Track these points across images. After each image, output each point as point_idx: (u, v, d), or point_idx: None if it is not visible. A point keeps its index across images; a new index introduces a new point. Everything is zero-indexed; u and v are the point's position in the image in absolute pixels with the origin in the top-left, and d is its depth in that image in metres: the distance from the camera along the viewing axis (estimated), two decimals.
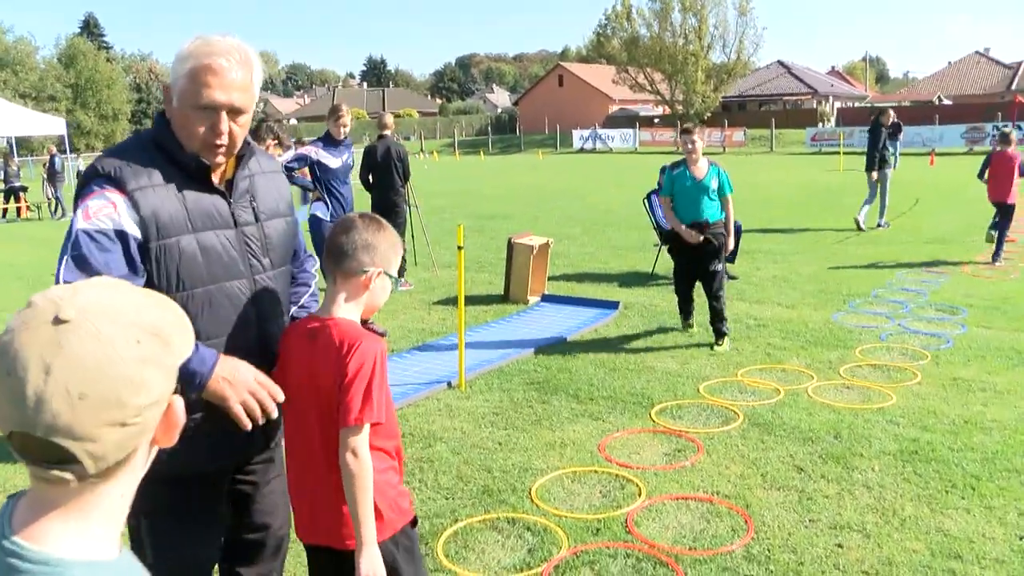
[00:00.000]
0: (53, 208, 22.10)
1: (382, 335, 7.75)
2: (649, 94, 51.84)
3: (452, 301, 9.00)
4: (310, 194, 8.03)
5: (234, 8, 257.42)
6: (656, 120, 53.47)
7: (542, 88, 69.44)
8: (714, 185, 7.07)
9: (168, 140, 2.22)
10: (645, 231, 10.98)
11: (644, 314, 8.36)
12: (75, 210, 2.16)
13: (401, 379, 6.39)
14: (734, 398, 5.81)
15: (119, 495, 0.99)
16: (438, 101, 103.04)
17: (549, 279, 9.65)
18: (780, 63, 60.61)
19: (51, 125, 22.61)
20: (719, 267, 7.06)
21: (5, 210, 23.14)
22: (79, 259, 2.08)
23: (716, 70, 49.26)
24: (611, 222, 15.75)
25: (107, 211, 2.11)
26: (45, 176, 22.87)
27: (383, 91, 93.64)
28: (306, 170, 7.95)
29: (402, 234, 10.18)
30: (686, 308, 7.53)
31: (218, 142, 2.19)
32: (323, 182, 7.61)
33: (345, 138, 7.78)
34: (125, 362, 0.93)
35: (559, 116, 57.08)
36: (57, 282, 2.00)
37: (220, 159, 2.25)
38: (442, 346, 7.26)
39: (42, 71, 64.39)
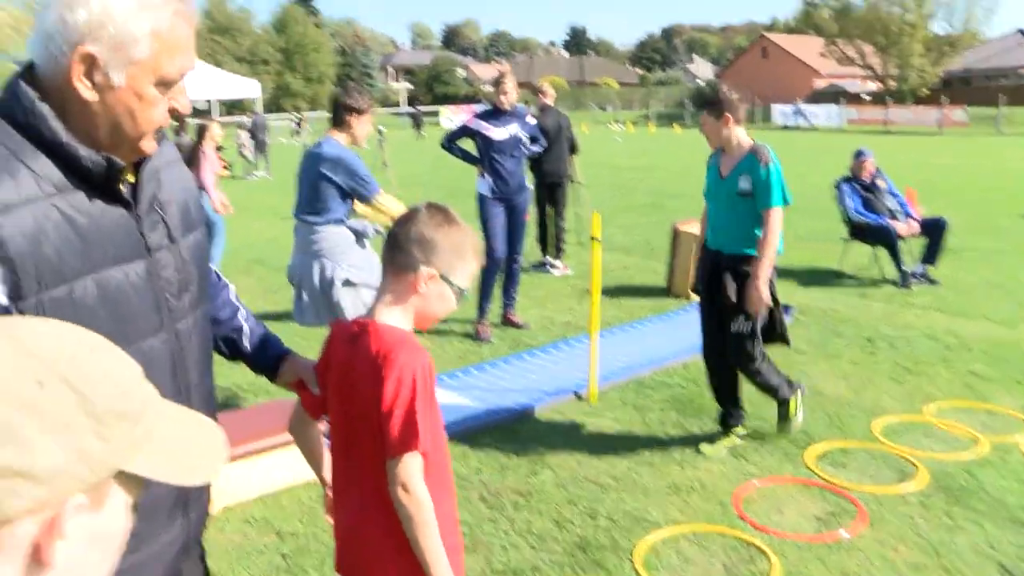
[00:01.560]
0: (253, 167, 22.85)
1: (519, 327, 7.07)
2: (859, 68, 48.33)
3: (611, 291, 8.23)
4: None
5: None
6: (866, 96, 49.83)
7: (745, 60, 66.65)
8: (744, 187, 4.47)
9: (50, 128, 1.37)
10: (835, 221, 9.70)
11: (821, 321, 7.23)
12: None
13: (525, 383, 5.69)
14: (917, 444, 4.70)
15: None
16: (638, 71, 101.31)
17: None
18: (1022, 32, 54.80)
19: (248, 88, 23.36)
20: (742, 327, 4.46)
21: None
22: None
23: (936, 42, 45.18)
24: (799, 208, 14.28)
25: None
26: (244, 136, 23.77)
27: (582, 59, 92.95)
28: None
29: (563, 212, 9.50)
30: (721, 395, 4.80)
31: (163, 126, 1.49)
32: (486, 156, 6.93)
33: (514, 108, 7.03)
34: (4, 400, 0.68)
35: (761, 90, 54.38)
36: None
37: (155, 146, 1.50)
38: (583, 345, 6.47)
39: (257, 36, 68.06)
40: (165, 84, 1.42)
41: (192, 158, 9.03)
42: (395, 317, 1.97)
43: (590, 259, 5.38)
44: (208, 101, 26.75)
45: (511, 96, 6.93)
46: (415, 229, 1.95)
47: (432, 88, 79.33)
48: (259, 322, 2.08)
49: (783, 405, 4.71)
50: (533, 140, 7.29)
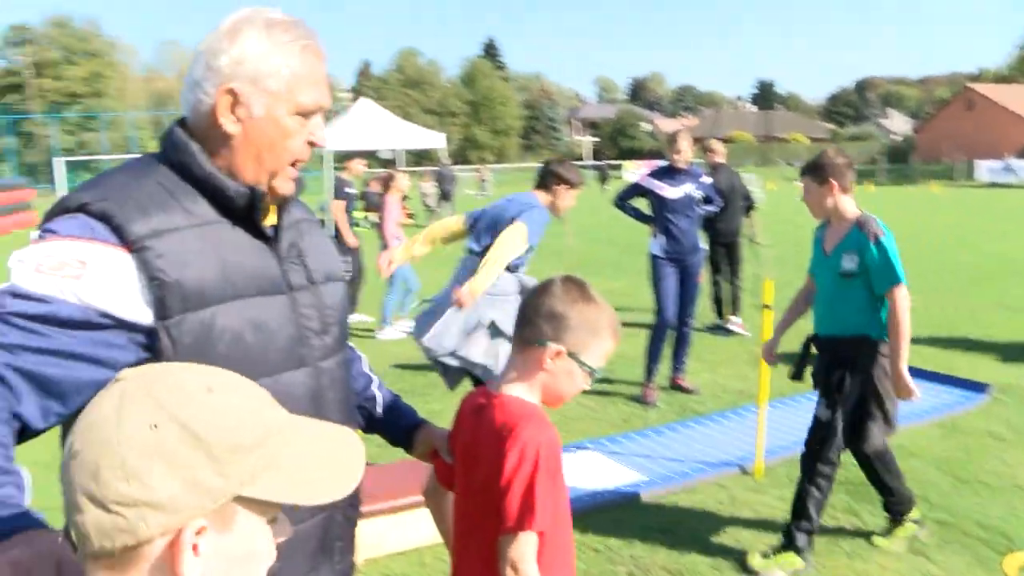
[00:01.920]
0: (436, 217, 23.66)
1: (688, 392, 6.82)
2: None
3: (787, 357, 7.80)
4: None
5: (625, 33, 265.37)
6: None
7: (947, 113, 63.13)
8: (849, 267, 3.93)
9: (197, 162, 1.49)
10: None
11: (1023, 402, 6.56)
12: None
13: (689, 452, 5.44)
14: None
15: None
16: (829, 126, 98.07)
17: (913, 342, 8.01)
18: None
19: (434, 140, 24.16)
20: (830, 416, 4.00)
21: (367, 215, 25.30)
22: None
23: None
24: (1008, 273, 13.26)
25: (70, 271, 1.34)
26: (428, 187, 24.72)
27: (769, 114, 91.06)
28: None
29: (739, 272, 9.19)
30: (872, 484, 4.32)
31: (306, 159, 1.58)
32: (659, 215, 6.79)
33: (688, 166, 6.88)
34: (122, 439, 0.82)
35: (965, 144, 51.37)
36: None
37: (292, 187, 1.60)
38: (753, 415, 6.13)
39: (446, 89, 70.90)
40: (301, 115, 1.53)
41: (378, 208, 9.38)
42: (521, 391, 1.90)
43: (764, 322, 5.09)
44: (393, 151, 27.85)
45: (685, 155, 6.76)
46: (546, 302, 1.87)
47: (617, 142, 79.77)
48: (393, 393, 2.06)
49: (895, 518, 4.27)
50: (707, 200, 7.09)
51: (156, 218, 1.42)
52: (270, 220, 1.60)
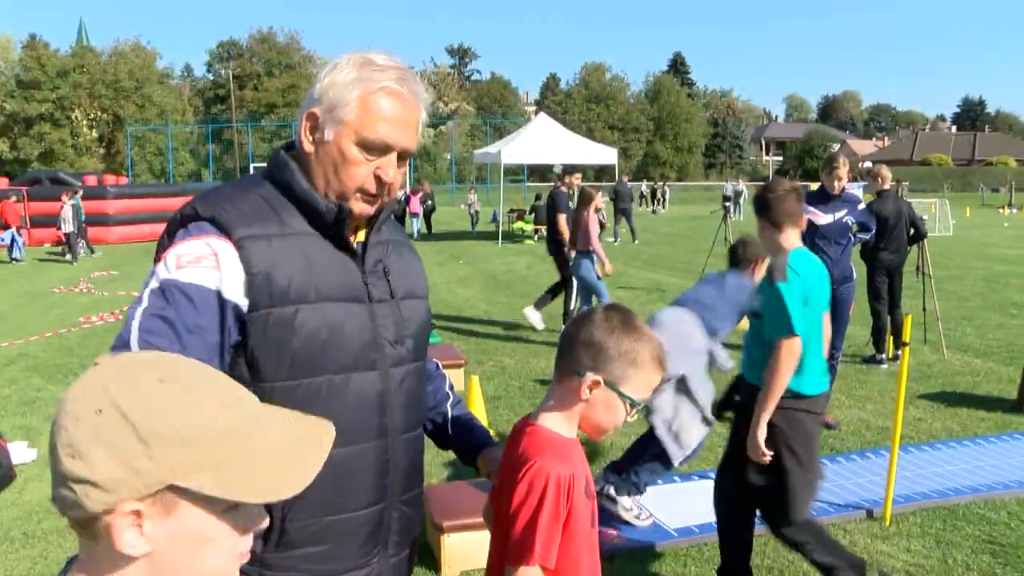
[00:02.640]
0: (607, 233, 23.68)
1: (829, 427, 6.47)
2: None
3: (949, 398, 7.31)
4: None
5: (818, 50, 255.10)
6: None
7: None
8: (756, 306, 3.74)
9: (295, 179, 1.68)
10: None
11: None
12: (155, 259, 1.65)
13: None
14: None
15: (120, 574, 0.94)
16: None
17: None
18: None
19: (606, 155, 24.18)
20: (755, 479, 3.63)
21: (537, 229, 25.48)
22: (161, 325, 1.51)
23: None
24: None
25: (208, 263, 1.57)
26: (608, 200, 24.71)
27: (975, 136, 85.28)
28: None
29: (900, 303, 8.66)
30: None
31: (375, 192, 1.69)
32: (809, 241, 6.50)
33: (844, 192, 6.58)
34: (73, 422, 0.91)
35: None
36: (130, 345, 1.50)
37: (369, 210, 1.73)
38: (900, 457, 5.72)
39: (630, 105, 70.67)
40: (366, 148, 1.64)
41: (576, 223, 9.50)
42: (556, 421, 1.86)
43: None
44: (563, 165, 28.03)
45: (843, 181, 6.44)
46: (586, 331, 1.83)
47: (803, 162, 76.97)
48: (469, 414, 2.12)
49: None
50: (863, 228, 6.72)
51: (255, 225, 1.61)
52: (359, 237, 1.77)
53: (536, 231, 25.06)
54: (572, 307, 9.99)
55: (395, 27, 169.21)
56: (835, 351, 6.56)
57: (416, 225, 27.99)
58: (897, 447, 4.78)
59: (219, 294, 1.55)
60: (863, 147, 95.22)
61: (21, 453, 6.08)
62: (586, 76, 74.32)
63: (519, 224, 25.46)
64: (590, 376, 1.80)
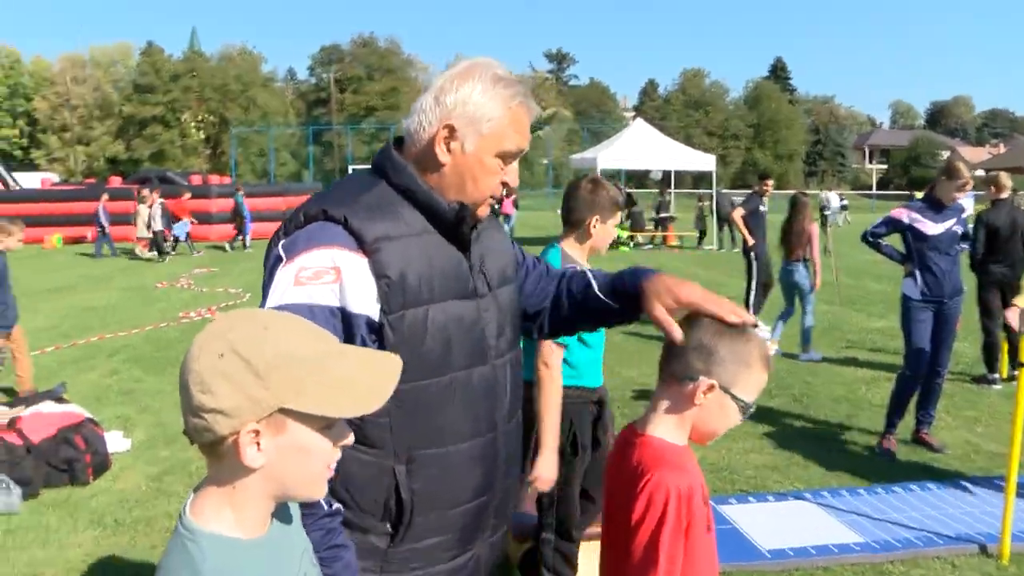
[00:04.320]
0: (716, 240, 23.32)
1: (934, 449, 6.11)
2: None
3: None
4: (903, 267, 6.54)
5: (927, 54, 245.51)
6: None
7: None
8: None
9: (415, 182, 1.77)
10: None
11: None
12: (275, 263, 1.69)
13: (921, 519, 4.85)
14: None
15: (242, 483, 1.18)
16: None
17: None
18: None
19: (704, 162, 23.76)
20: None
21: (653, 237, 25.12)
22: None
23: None
24: None
25: (328, 279, 1.64)
26: (703, 210, 24.42)
27: None
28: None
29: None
30: None
31: (501, 195, 1.86)
32: (916, 252, 6.16)
33: (954, 202, 6.20)
34: (201, 363, 1.13)
35: None
36: None
37: (487, 212, 1.88)
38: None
39: (729, 111, 69.48)
40: (503, 157, 1.77)
41: (788, 232, 9.40)
42: (667, 430, 1.82)
43: None
44: (663, 172, 27.76)
45: (962, 192, 6.06)
46: (695, 335, 1.78)
47: (908, 170, 74.29)
48: (605, 274, 2.04)
49: None
50: (964, 237, 6.34)
51: (383, 224, 1.69)
52: None
53: (631, 237, 24.77)
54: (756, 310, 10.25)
55: (494, 31, 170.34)
56: (941, 368, 6.19)
57: (508, 225, 28.01)
58: (1015, 475, 4.44)
59: (343, 310, 1.64)
60: (976, 154, 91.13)
61: (117, 442, 6.23)
62: (685, 82, 73.34)
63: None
64: (704, 380, 1.75)
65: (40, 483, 5.48)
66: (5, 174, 27.96)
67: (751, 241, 10.27)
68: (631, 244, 24.50)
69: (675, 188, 29.88)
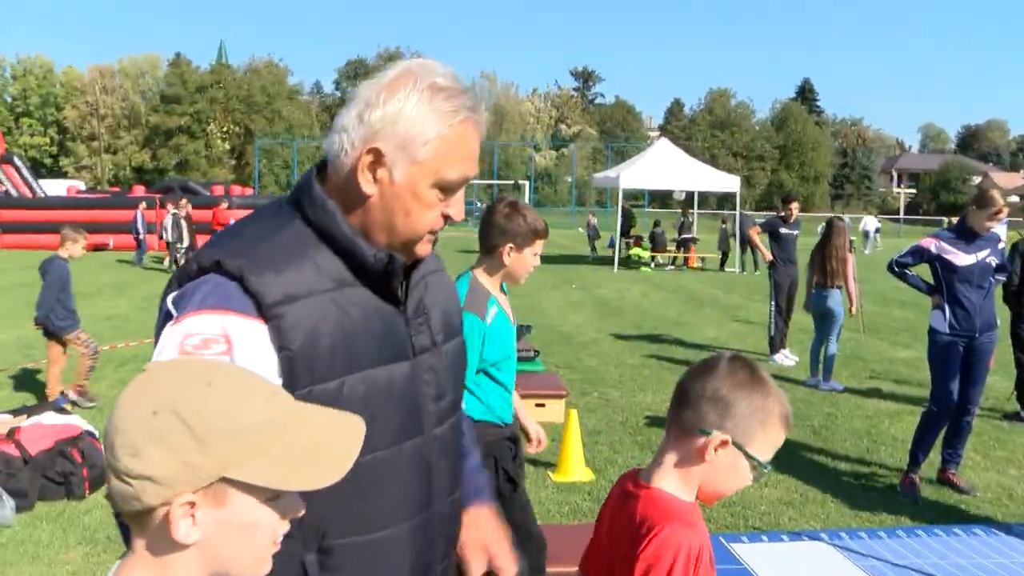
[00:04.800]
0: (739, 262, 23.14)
1: (961, 491, 5.85)
2: None
3: None
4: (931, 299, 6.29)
5: (959, 76, 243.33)
6: None
7: None
8: None
9: (337, 225, 1.45)
10: None
11: None
12: (164, 318, 1.42)
13: (948, 567, 4.61)
14: None
15: (172, 559, 1.03)
16: None
17: None
18: None
19: (728, 183, 23.53)
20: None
21: (675, 258, 24.90)
22: None
23: None
24: None
25: (217, 349, 1.34)
26: (725, 231, 24.25)
27: None
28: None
29: None
30: None
31: (439, 230, 1.53)
32: (945, 283, 5.91)
33: (988, 232, 5.94)
34: (131, 421, 1.00)
35: None
36: None
37: (430, 250, 1.56)
38: None
39: (755, 132, 69.24)
40: (443, 188, 1.46)
41: (824, 257, 9.15)
42: (674, 483, 1.68)
43: None
44: (687, 193, 27.57)
45: (995, 221, 5.82)
46: (711, 385, 1.64)
47: (938, 195, 73.58)
48: (479, 467, 1.90)
49: None
50: (999, 268, 6.08)
51: (288, 278, 1.40)
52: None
53: (653, 258, 24.56)
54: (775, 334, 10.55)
55: (520, 48, 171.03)
56: (971, 406, 5.92)
57: None
58: None
59: None
60: (1010, 180, 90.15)
61: None
62: (711, 102, 73.23)
63: (635, 251, 24.98)
64: (718, 435, 1.62)
65: (36, 496, 5.41)
66: (32, 180, 28.17)
67: (767, 256, 10.43)
68: (652, 264, 24.30)
69: (699, 209, 29.68)
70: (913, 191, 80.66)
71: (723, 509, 5.34)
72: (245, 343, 1.35)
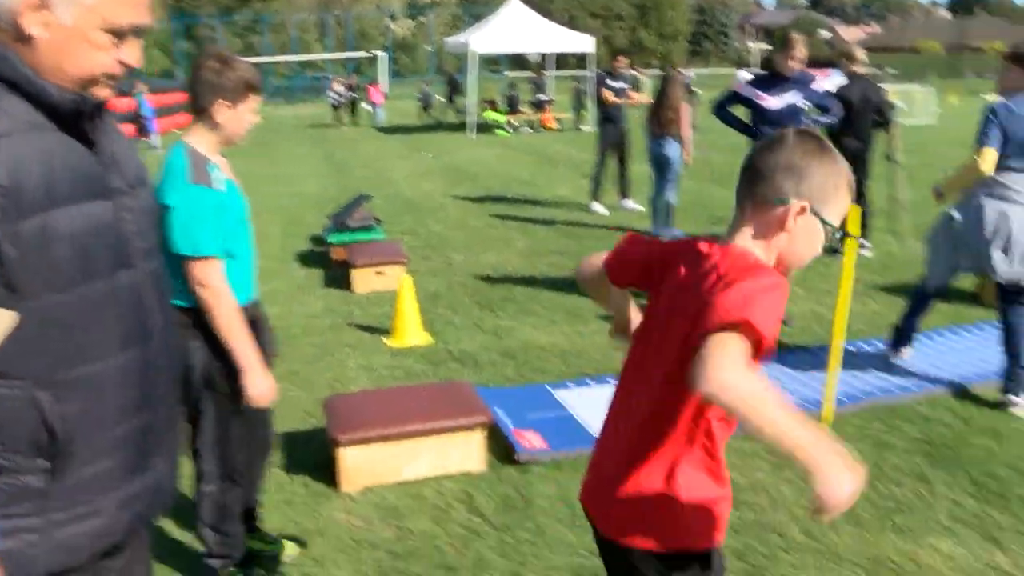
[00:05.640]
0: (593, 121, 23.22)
1: (783, 323, 6.15)
2: None
3: (904, 290, 6.98)
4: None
5: None
6: None
7: None
8: None
9: (15, 68, 1.44)
10: None
11: None
12: None
13: None
14: None
15: None
16: None
17: None
18: None
19: (582, 43, 23.29)
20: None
21: (531, 121, 24.81)
22: None
23: None
24: None
25: None
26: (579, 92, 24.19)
27: (966, 21, 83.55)
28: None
29: (865, 194, 8.25)
30: None
31: (119, 76, 1.55)
32: (757, 127, 6.02)
33: (794, 73, 6.02)
34: None
35: None
36: None
37: (110, 94, 1.58)
38: (848, 353, 5.38)
39: None
40: (115, 33, 1.48)
41: (659, 107, 9.28)
42: (756, 250, 1.73)
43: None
44: (541, 55, 27.26)
45: (795, 62, 5.94)
46: (784, 156, 1.71)
47: None
48: None
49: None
50: (824, 110, 6.24)
51: None
52: None
53: (508, 121, 24.36)
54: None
55: None
56: None
57: (380, 117, 27.34)
58: (839, 343, 4.47)
59: None
60: (852, 34, 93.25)
61: None
62: None
63: (489, 114, 24.66)
64: (796, 203, 1.68)
65: None
66: None
67: (612, 101, 11.02)
68: (509, 128, 24.14)
69: (559, 71, 29.44)
70: (768, 47, 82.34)
71: (557, 359, 5.51)
72: None
